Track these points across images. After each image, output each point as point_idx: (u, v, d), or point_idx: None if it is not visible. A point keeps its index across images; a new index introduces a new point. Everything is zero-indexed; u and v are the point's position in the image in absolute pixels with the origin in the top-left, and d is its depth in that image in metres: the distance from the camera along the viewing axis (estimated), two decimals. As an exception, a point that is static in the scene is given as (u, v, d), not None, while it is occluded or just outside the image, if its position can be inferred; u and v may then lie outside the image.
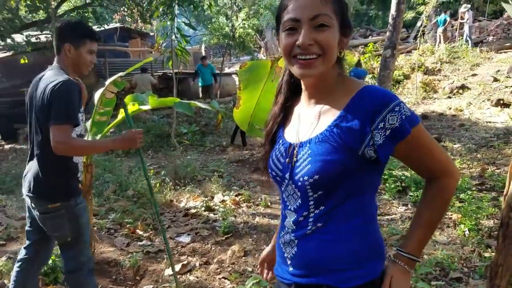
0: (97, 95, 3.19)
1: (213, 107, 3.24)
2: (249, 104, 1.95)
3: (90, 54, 2.57)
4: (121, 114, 3.17)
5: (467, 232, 3.99)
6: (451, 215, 4.49)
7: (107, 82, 3.18)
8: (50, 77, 2.38)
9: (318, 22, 1.15)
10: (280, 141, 1.35)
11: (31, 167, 2.48)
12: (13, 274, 2.68)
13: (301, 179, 1.20)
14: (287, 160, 1.27)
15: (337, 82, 1.26)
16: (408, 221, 4.42)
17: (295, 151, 1.25)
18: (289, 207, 1.28)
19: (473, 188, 5.17)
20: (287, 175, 1.27)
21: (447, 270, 3.40)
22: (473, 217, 4.17)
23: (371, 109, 1.13)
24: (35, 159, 2.46)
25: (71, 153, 2.37)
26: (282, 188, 1.30)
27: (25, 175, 2.52)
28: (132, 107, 3.19)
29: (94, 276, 2.71)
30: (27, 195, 2.49)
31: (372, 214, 1.24)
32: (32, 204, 2.49)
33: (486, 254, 3.59)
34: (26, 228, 2.70)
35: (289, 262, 1.28)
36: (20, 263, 2.67)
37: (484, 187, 5.37)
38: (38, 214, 2.48)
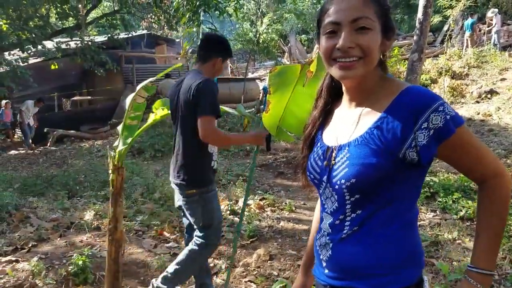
0: (128, 100, 3.26)
1: (240, 112, 3.28)
2: (278, 108, 1.97)
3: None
4: (151, 119, 3.24)
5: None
6: (481, 221, 4.40)
7: (138, 87, 3.25)
8: (192, 78, 2.79)
9: (359, 25, 1.15)
10: (319, 144, 1.34)
11: (176, 157, 2.90)
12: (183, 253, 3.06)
13: (338, 182, 1.20)
14: (325, 163, 1.27)
15: (379, 84, 1.24)
16: (437, 228, 4.36)
17: (333, 154, 1.25)
18: (326, 210, 1.28)
19: (503, 195, 5.06)
20: (324, 178, 1.26)
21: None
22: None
23: (414, 109, 1.11)
24: (180, 149, 2.87)
25: (215, 141, 2.74)
26: (320, 191, 1.30)
27: (172, 164, 2.95)
28: (161, 112, 3.25)
29: (210, 251, 3.03)
30: (173, 182, 2.92)
31: (411, 221, 1.21)
32: (178, 191, 2.92)
33: (518, 262, 3.52)
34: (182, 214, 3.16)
35: (324, 264, 1.28)
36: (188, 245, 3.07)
37: (514, 193, 5.25)
38: (182, 199, 2.91)
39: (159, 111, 3.27)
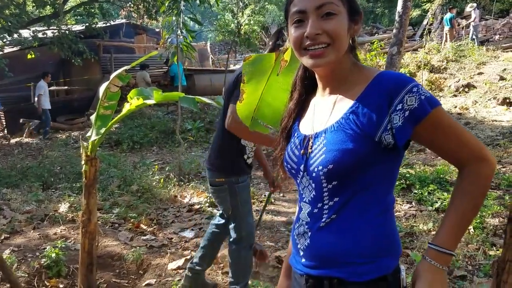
0: (101, 89, 3.18)
1: (219, 103, 3.23)
2: (252, 98, 1.92)
3: None
4: (125, 108, 3.17)
5: (472, 230, 3.97)
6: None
7: (112, 76, 3.17)
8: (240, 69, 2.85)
9: (324, 11, 1.15)
10: (296, 134, 1.34)
11: (212, 143, 2.97)
12: (207, 233, 3.21)
13: (315, 169, 1.19)
14: (302, 151, 1.26)
15: (352, 70, 1.24)
16: (413, 219, 4.40)
17: (310, 142, 1.24)
18: (304, 199, 1.27)
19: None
20: (301, 167, 1.26)
21: (452, 268, 3.38)
22: (478, 215, 4.15)
23: (389, 91, 1.12)
24: (216, 135, 2.93)
25: (238, 131, 2.65)
26: (298, 181, 1.29)
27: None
28: (136, 101, 3.18)
29: (251, 251, 3.03)
30: (205, 167, 2.97)
31: (388, 207, 1.21)
32: (208, 176, 2.95)
33: (491, 252, 3.57)
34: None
35: (301, 253, 1.27)
36: (215, 226, 3.15)
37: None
38: (209, 185, 2.95)
39: (134, 101, 3.19)
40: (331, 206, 1.20)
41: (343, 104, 1.20)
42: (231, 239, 2.97)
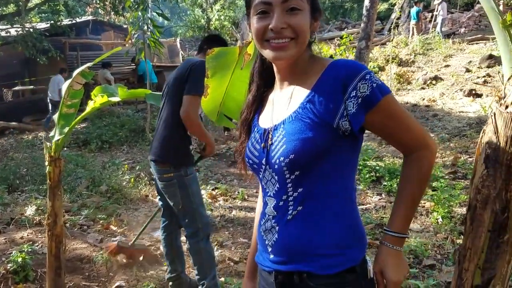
0: (64, 87, 3.08)
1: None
2: (217, 93, 1.90)
3: None
4: (89, 106, 3.08)
5: (440, 219, 4.05)
6: (424, 203, 4.54)
7: (75, 73, 3.08)
8: (190, 60, 2.87)
9: (290, 5, 1.15)
10: (255, 129, 1.33)
11: (156, 135, 2.90)
12: (161, 240, 3.17)
13: (277, 161, 1.19)
14: (262, 145, 1.26)
15: (309, 63, 1.25)
16: (382, 211, 4.45)
17: (270, 135, 1.24)
18: (268, 194, 1.26)
19: (446, 177, 5.25)
20: (263, 161, 1.25)
21: (421, 257, 3.43)
22: (446, 205, 4.23)
23: (343, 79, 1.13)
24: (160, 126, 2.87)
25: (192, 122, 2.70)
26: (260, 176, 1.28)
27: (151, 143, 2.98)
28: (100, 99, 3.09)
29: (210, 242, 3.03)
30: (150, 160, 2.90)
31: (351, 196, 1.23)
32: (154, 171, 2.91)
33: (459, 241, 3.64)
34: (157, 195, 3.15)
35: (270, 249, 1.25)
36: (163, 230, 3.13)
37: (456, 175, 5.46)
38: (158, 181, 2.89)
39: (98, 98, 3.10)
40: (295, 197, 1.19)
41: (300, 94, 1.21)
42: (187, 235, 2.94)
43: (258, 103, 1.38)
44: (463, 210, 4.27)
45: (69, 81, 3.08)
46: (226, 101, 1.94)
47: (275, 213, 1.23)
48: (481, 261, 1.30)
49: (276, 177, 1.22)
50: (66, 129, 3.11)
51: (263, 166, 1.25)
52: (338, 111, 1.13)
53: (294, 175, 1.18)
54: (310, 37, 1.24)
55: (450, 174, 5.43)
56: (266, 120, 1.31)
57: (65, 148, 9.23)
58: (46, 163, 3.05)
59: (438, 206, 4.23)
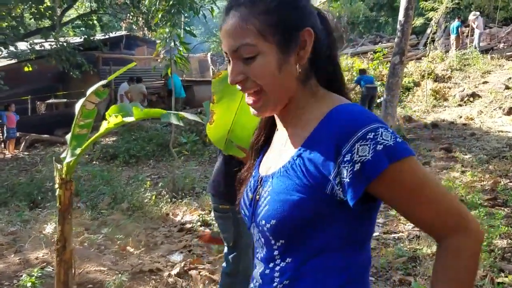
0: (77, 106, 2.97)
1: (202, 119, 3.00)
2: (225, 119, 1.71)
3: None
4: (103, 127, 2.95)
5: (478, 253, 3.69)
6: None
7: (88, 91, 2.96)
8: None
9: (242, 55, 0.92)
10: (253, 173, 1.11)
11: (215, 169, 2.76)
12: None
13: (261, 222, 0.96)
14: (250, 196, 1.04)
15: (310, 101, 0.98)
16: (416, 241, 4.11)
17: (259, 185, 1.02)
18: (257, 255, 1.04)
19: (485, 203, 4.87)
20: (251, 215, 1.03)
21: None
22: (485, 237, 3.87)
23: (337, 135, 0.86)
24: (219, 161, 2.74)
25: (246, 159, 2.52)
26: (251, 230, 1.06)
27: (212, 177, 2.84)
28: (115, 119, 2.96)
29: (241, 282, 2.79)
30: (208, 192, 2.82)
31: (355, 276, 0.94)
32: (210, 201, 2.87)
33: (499, 280, 3.28)
34: None
35: None
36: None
37: (496, 202, 5.06)
38: (213, 211, 2.80)
39: (112, 119, 2.97)
40: (283, 268, 0.95)
41: (294, 143, 0.97)
42: (226, 270, 2.74)
43: (270, 128, 1.12)
44: (504, 243, 3.90)
45: (82, 100, 2.96)
46: (235, 128, 1.74)
47: (261, 281, 1.01)
48: None
49: (262, 240, 0.99)
50: (78, 151, 2.99)
51: (251, 222, 1.03)
52: (329, 176, 0.87)
53: (280, 243, 0.95)
54: (311, 66, 0.97)
55: (489, 200, 5.04)
56: (264, 165, 1.08)
57: (94, 162, 9.29)
58: (56, 186, 2.93)
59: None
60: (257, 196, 1.00)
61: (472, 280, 0.88)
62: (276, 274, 0.96)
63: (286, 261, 0.95)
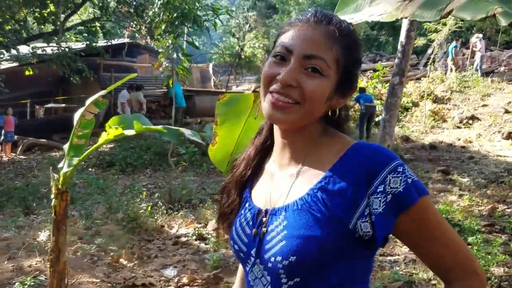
0: (76, 115, 2.95)
1: (202, 135, 2.97)
2: (227, 141, 1.69)
3: None
4: (102, 138, 2.92)
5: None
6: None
7: (88, 101, 2.94)
8: None
9: (311, 64, 0.90)
10: (247, 205, 1.05)
11: None
12: None
13: (272, 259, 0.91)
14: (254, 231, 0.98)
15: (321, 137, 0.99)
16: (412, 265, 4.08)
17: (264, 218, 0.96)
18: None
19: (482, 229, 4.85)
20: (253, 252, 0.97)
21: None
22: (482, 265, 3.84)
23: (367, 168, 0.87)
24: None
25: None
26: (247, 269, 1.00)
27: None
28: (114, 131, 2.93)
29: None
30: None
31: None
32: None
33: (496, 309, 3.26)
34: None
35: None
36: None
37: (493, 228, 5.04)
38: None
39: (112, 130, 2.95)
40: None
41: (309, 176, 0.94)
42: None
43: (258, 162, 1.10)
44: (501, 271, 3.87)
45: (81, 109, 2.94)
46: (237, 151, 1.72)
47: None
48: None
49: (268, 278, 0.94)
50: (75, 161, 2.96)
51: (252, 259, 0.97)
52: (357, 208, 0.87)
53: (293, 282, 0.91)
54: (332, 113, 0.98)
55: (486, 226, 5.01)
56: (261, 196, 1.03)
57: (90, 169, 9.24)
58: (52, 196, 2.89)
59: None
60: (263, 230, 0.96)
61: None
62: None
63: None
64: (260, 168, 1.09)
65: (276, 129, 1.02)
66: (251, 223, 1.00)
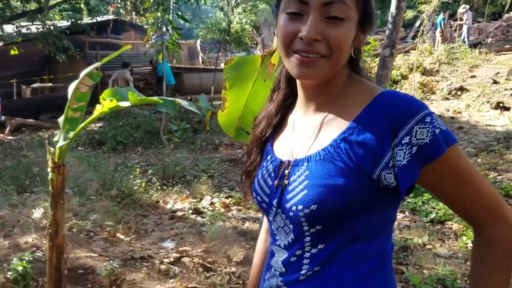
0: (70, 88, 2.89)
1: (199, 106, 2.95)
2: (236, 106, 1.68)
3: None
4: (97, 110, 2.88)
5: (470, 244, 3.74)
6: (451, 225, 4.24)
7: (82, 74, 2.88)
8: None
9: (332, 12, 0.87)
10: (269, 157, 1.05)
11: None
12: None
13: (293, 208, 0.92)
14: (276, 182, 0.98)
15: (346, 86, 0.97)
16: (407, 231, 4.16)
17: (286, 170, 0.96)
18: (278, 243, 0.99)
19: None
20: (275, 202, 0.98)
21: (450, 287, 3.14)
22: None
23: (393, 118, 0.85)
24: None
25: None
26: (270, 218, 1.02)
27: None
28: (109, 103, 2.89)
29: None
30: None
31: (385, 260, 0.95)
32: None
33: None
34: None
35: None
36: None
37: (485, 194, 5.12)
38: None
39: (107, 102, 2.91)
40: (313, 254, 0.93)
41: (333, 127, 0.94)
42: None
43: (281, 118, 1.09)
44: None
45: (75, 82, 2.89)
46: (245, 115, 1.71)
47: (284, 269, 0.97)
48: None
49: (290, 226, 0.95)
50: (71, 134, 2.92)
51: (274, 209, 0.99)
52: (382, 159, 0.86)
53: (315, 229, 0.92)
54: (354, 53, 0.97)
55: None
56: (283, 148, 1.03)
57: (80, 148, 9.15)
58: (49, 170, 2.86)
59: (467, 229, 3.92)
60: (285, 182, 0.96)
61: (509, 266, 0.89)
62: (306, 261, 0.94)
63: (318, 247, 0.92)
64: (282, 123, 1.09)
65: (299, 83, 1.01)
66: (273, 174, 1.00)
